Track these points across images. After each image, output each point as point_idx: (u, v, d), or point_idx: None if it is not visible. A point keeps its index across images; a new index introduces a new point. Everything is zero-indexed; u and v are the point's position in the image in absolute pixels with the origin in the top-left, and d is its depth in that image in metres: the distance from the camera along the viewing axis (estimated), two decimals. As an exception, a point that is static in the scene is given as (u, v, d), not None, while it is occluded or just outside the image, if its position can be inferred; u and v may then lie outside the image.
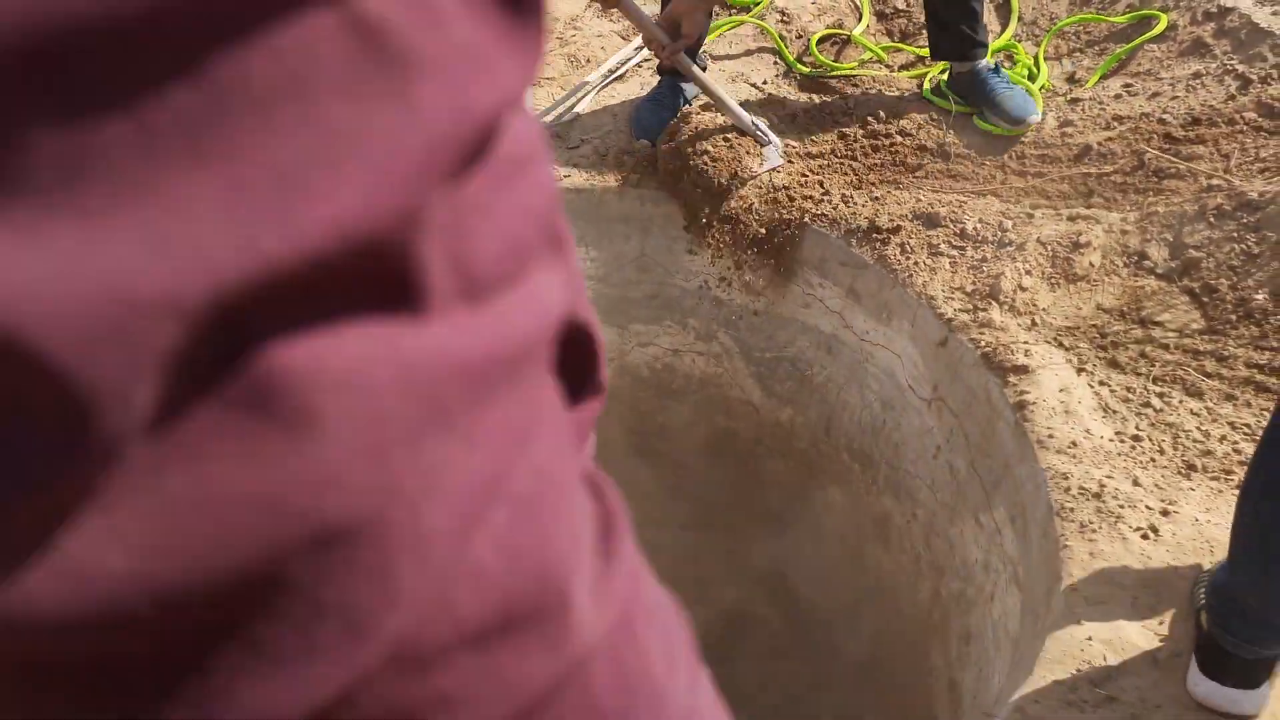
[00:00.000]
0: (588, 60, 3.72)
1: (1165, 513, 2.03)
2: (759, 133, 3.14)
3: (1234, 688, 1.60)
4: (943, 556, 2.80)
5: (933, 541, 2.86)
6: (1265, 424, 1.57)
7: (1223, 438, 2.15)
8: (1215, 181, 2.80)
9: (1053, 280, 2.79)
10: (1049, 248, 2.84)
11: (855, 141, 3.26)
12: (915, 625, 3.00)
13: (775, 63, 3.70)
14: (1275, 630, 1.58)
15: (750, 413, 3.51)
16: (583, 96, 3.51)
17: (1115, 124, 3.16)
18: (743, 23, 3.82)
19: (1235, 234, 2.62)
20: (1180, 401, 2.24)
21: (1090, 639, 1.79)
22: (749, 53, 3.75)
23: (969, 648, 2.54)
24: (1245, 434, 2.13)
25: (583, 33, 3.85)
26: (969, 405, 2.58)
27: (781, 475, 3.54)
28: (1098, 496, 2.07)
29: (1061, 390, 2.39)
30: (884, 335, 2.93)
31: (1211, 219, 2.69)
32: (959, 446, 2.65)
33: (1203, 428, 2.18)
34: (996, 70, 3.25)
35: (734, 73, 3.65)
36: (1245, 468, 1.87)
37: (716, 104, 3.15)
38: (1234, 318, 2.42)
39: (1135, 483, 2.09)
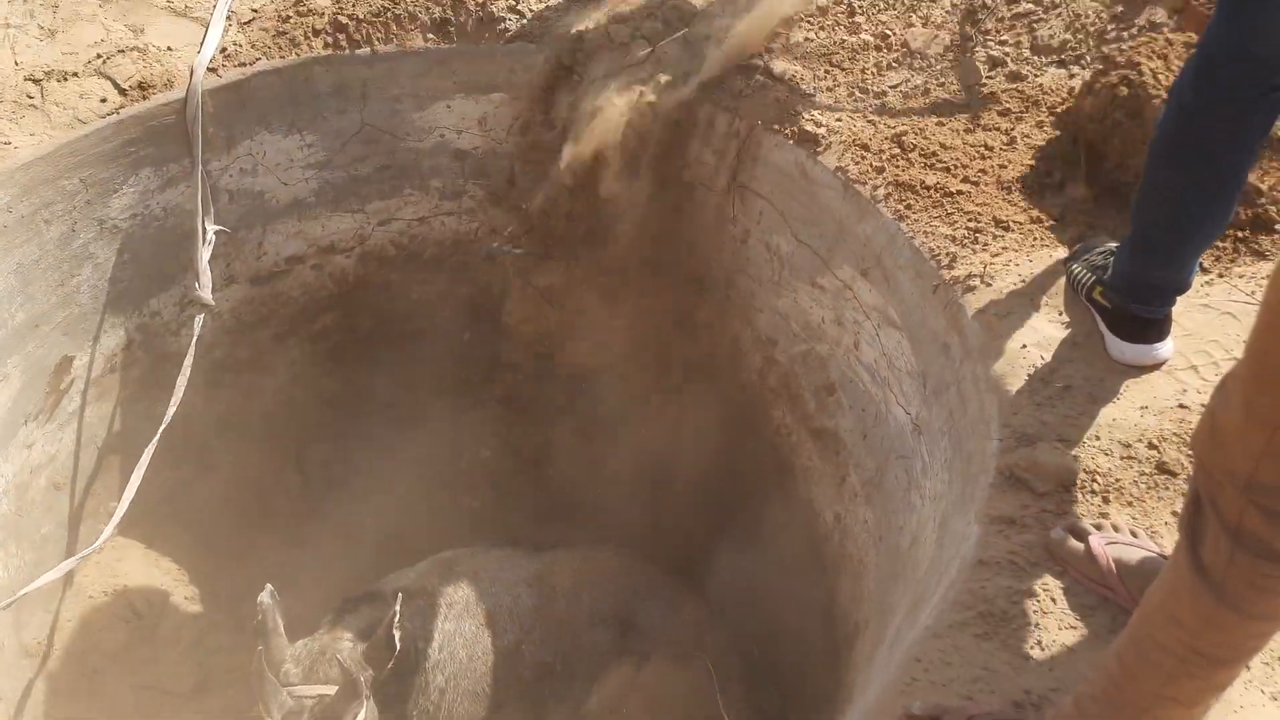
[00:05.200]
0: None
1: (1006, 226, 2.36)
2: None
3: (1156, 343, 1.99)
4: (771, 329, 3.02)
5: (754, 319, 3.06)
6: None
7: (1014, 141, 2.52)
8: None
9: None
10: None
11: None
12: (746, 398, 3.23)
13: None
14: (1180, 288, 1.97)
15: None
16: None
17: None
18: None
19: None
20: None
21: (1025, 346, 2.09)
22: None
23: (834, 396, 2.82)
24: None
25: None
26: (778, 183, 2.73)
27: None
28: (951, 221, 2.35)
29: (860, 145, 2.61)
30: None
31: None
32: (772, 225, 2.81)
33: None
34: None
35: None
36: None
37: None
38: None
39: (971, 201, 2.39)
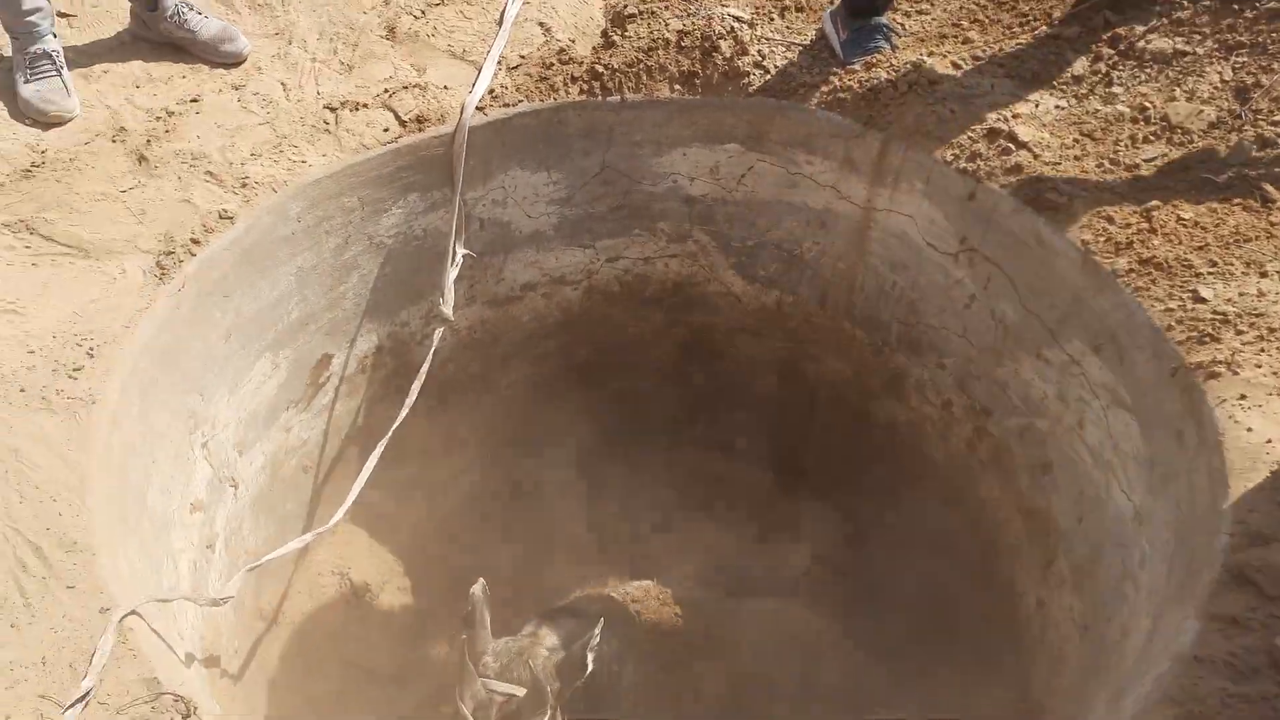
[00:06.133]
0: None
1: (1259, 314, 2.20)
2: None
3: None
4: (986, 398, 2.93)
5: (969, 385, 2.99)
6: None
7: None
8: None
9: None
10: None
11: None
12: (951, 468, 3.14)
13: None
14: None
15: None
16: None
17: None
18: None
19: None
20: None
21: (1270, 441, 1.94)
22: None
23: (1050, 475, 2.70)
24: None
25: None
26: (1011, 249, 2.67)
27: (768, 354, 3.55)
28: (1199, 303, 2.22)
29: (1105, 217, 2.52)
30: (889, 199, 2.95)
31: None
32: (1000, 291, 2.75)
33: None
34: None
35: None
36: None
37: None
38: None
39: (1225, 283, 2.25)
